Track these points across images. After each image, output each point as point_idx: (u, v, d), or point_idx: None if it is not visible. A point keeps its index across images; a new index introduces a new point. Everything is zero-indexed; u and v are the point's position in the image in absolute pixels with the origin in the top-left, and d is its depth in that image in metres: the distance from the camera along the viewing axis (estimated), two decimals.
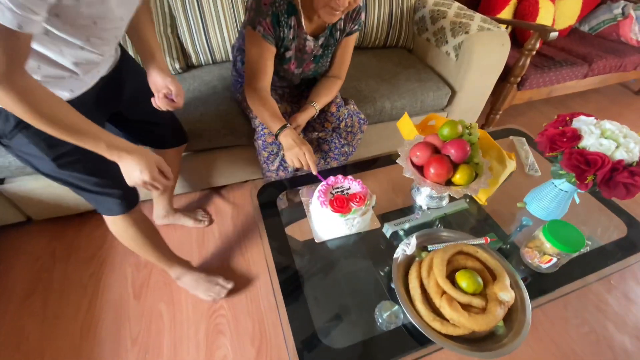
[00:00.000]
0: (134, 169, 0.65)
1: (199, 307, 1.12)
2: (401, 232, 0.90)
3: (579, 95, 2.44)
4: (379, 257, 0.84)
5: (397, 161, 0.85)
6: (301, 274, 0.77)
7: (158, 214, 1.30)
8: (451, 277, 0.71)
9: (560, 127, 0.78)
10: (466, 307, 0.66)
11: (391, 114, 1.43)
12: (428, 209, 0.93)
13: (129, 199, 0.82)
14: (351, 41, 1.10)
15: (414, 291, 0.70)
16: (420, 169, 0.83)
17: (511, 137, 1.17)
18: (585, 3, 2.03)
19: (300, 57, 1.04)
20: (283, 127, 0.96)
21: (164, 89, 0.79)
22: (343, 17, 1.02)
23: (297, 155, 0.92)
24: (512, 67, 1.63)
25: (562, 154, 0.76)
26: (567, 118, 0.80)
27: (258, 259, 1.26)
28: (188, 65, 1.42)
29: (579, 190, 0.84)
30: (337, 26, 1.03)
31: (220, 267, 1.23)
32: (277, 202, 0.93)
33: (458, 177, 0.78)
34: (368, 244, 0.87)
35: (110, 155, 0.63)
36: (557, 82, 1.83)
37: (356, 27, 1.07)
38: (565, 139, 0.75)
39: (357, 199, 0.79)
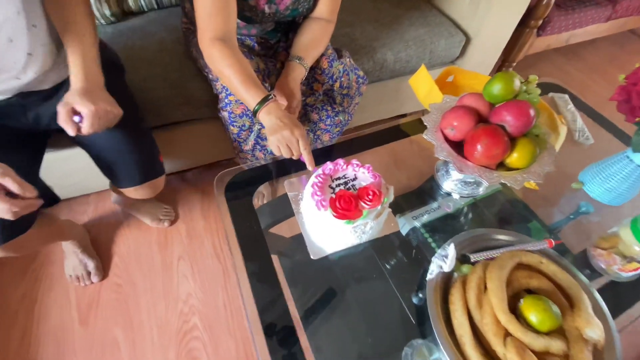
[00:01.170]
0: None
1: (166, 329, 0.89)
2: (418, 225, 0.67)
3: (589, 43, 2.19)
4: (397, 269, 0.62)
5: (424, 136, 0.59)
6: (292, 310, 0.54)
7: (114, 198, 1.04)
8: (511, 305, 0.49)
9: None
10: (542, 354, 0.45)
11: (394, 69, 1.14)
12: (460, 197, 0.70)
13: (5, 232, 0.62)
14: None
15: (461, 329, 0.48)
16: (457, 145, 0.58)
17: (551, 94, 0.92)
18: None
19: None
20: (264, 100, 0.65)
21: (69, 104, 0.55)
22: None
23: (286, 141, 0.63)
24: (534, 7, 1.34)
25: None
26: None
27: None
28: (124, 12, 1.05)
29: None
30: None
31: (191, 274, 0.99)
32: (254, 201, 0.67)
33: (516, 157, 0.54)
34: (379, 250, 0.64)
35: None
36: (579, 26, 1.57)
37: None
38: None
39: (370, 196, 0.54)
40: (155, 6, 1.09)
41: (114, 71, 0.74)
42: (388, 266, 0.63)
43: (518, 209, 0.76)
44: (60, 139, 0.83)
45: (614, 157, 0.67)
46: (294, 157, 0.65)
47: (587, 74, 1.89)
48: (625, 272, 0.56)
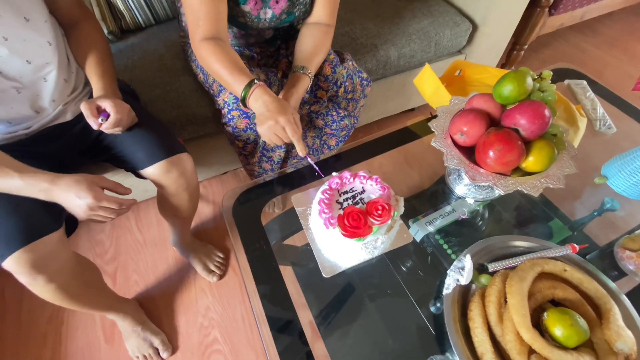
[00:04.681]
0: (70, 198, 0.54)
1: (187, 344, 0.90)
2: (432, 231, 0.65)
3: (606, 16, 2.06)
4: (413, 278, 0.61)
5: (432, 144, 0.57)
6: (305, 323, 0.54)
7: (171, 239, 1.00)
8: (535, 318, 0.47)
9: None
10: None
11: (398, 65, 1.10)
12: (475, 202, 0.67)
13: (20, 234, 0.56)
14: None
15: (482, 347, 0.46)
16: (467, 150, 0.55)
17: (567, 82, 0.87)
18: None
19: None
20: (249, 86, 0.65)
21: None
22: None
23: (273, 130, 0.63)
24: None
25: None
26: None
27: None
28: (122, 30, 1.06)
29: None
30: None
31: (209, 288, 1.00)
32: (262, 217, 0.67)
33: (532, 161, 0.51)
34: (394, 260, 0.63)
35: (44, 196, 0.55)
36: (594, 1, 1.47)
37: None
38: None
39: (379, 210, 0.53)
40: (153, 21, 1.09)
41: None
42: (404, 275, 0.61)
43: (537, 207, 0.72)
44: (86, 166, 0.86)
45: (637, 149, 0.63)
46: (284, 141, 0.65)
47: (606, 50, 1.79)
48: None
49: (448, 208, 0.69)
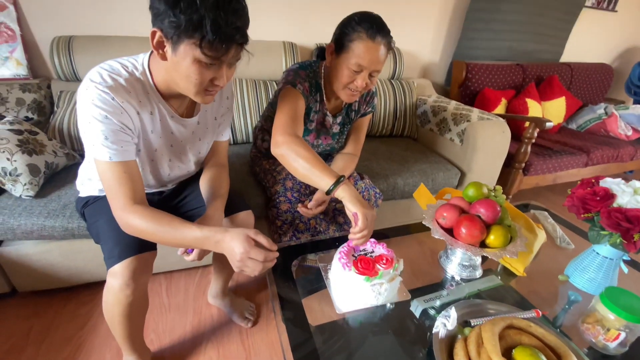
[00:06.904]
0: (233, 246, 0.63)
1: None
2: (432, 312, 0.78)
3: None
4: (410, 339, 0.71)
5: (423, 222, 0.80)
6: (322, 356, 0.64)
7: (212, 291, 1.19)
8: (506, 357, 0.58)
9: (589, 188, 0.77)
10: None
11: (403, 191, 1.44)
12: (460, 279, 0.84)
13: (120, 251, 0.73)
14: (366, 121, 1.19)
15: None
16: (449, 232, 0.78)
17: (532, 212, 1.14)
18: (568, 105, 2.28)
19: (320, 129, 1.11)
20: (339, 181, 0.80)
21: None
22: (358, 99, 1.13)
23: (371, 218, 0.77)
24: (515, 154, 1.72)
25: (599, 214, 0.72)
26: (593, 180, 0.79)
27: (260, 347, 1.07)
28: None
29: (625, 257, 0.77)
30: (353, 107, 1.14)
31: (216, 355, 1.04)
32: (292, 270, 0.85)
33: (492, 239, 0.73)
34: (396, 322, 0.74)
35: (213, 247, 0.66)
36: (559, 169, 1.90)
37: (370, 109, 1.17)
38: (598, 198, 0.72)
39: (384, 261, 0.72)
40: (232, 142, 1.55)
41: None
42: (400, 333, 0.71)
43: (518, 300, 0.86)
44: None
45: (585, 252, 0.82)
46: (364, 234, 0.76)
47: None
48: (609, 342, 0.64)
49: (444, 292, 0.85)
